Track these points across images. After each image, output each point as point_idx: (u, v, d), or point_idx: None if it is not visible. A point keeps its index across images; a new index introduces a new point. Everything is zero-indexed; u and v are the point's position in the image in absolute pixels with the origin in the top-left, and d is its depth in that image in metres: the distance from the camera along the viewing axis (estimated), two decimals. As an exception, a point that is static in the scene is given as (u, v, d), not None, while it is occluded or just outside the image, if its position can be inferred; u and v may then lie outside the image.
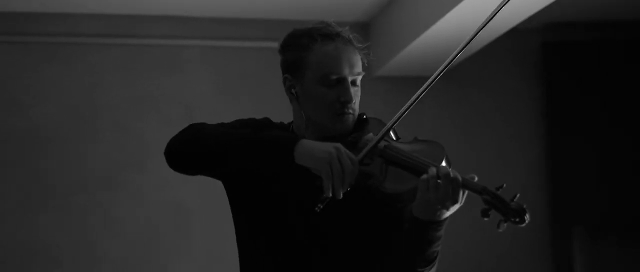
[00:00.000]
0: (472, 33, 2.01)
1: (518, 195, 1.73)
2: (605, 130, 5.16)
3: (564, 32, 5.25)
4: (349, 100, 1.96)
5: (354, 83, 1.99)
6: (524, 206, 1.72)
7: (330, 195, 1.77)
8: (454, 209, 1.80)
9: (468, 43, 2.00)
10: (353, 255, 1.96)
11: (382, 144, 1.91)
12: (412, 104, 1.96)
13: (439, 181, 1.76)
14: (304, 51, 1.98)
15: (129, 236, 4.74)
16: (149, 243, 4.75)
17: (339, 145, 1.82)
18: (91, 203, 4.71)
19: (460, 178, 1.77)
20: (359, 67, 2.00)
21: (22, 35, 4.75)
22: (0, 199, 4.65)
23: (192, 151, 1.99)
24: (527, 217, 1.71)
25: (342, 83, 1.96)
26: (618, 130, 5.17)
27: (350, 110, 1.98)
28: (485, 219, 1.74)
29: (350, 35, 2.02)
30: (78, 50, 4.82)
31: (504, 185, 1.76)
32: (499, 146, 5.25)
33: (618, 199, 5.11)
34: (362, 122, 2.03)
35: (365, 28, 5.11)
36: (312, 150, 1.82)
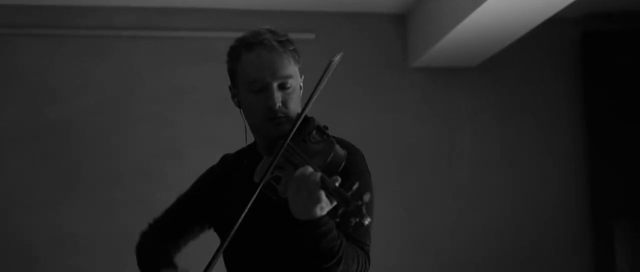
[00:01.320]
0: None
1: (366, 194, 1.70)
2: (646, 122, 5.09)
3: (604, 22, 5.18)
4: (272, 105, 2.01)
5: (282, 87, 2.04)
6: (362, 206, 1.68)
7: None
8: (319, 209, 1.79)
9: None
10: (278, 254, 2.06)
11: (290, 148, 1.93)
12: (306, 107, 1.97)
13: (296, 181, 1.80)
14: (235, 62, 2.09)
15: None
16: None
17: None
18: (128, 195, 4.74)
19: (317, 177, 1.76)
20: (284, 71, 2.03)
21: (58, 28, 4.78)
22: (37, 191, 4.69)
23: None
24: (365, 220, 1.68)
25: (267, 89, 2.02)
26: (659, 121, 5.09)
27: (281, 115, 2.02)
28: (337, 219, 1.72)
29: (276, 40, 2.04)
30: (113, 42, 4.84)
31: (357, 184, 1.73)
32: (538, 137, 5.20)
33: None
34: (305, 124, 2.03)
35: (400, 19, 5.08)
36: None
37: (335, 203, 1.76)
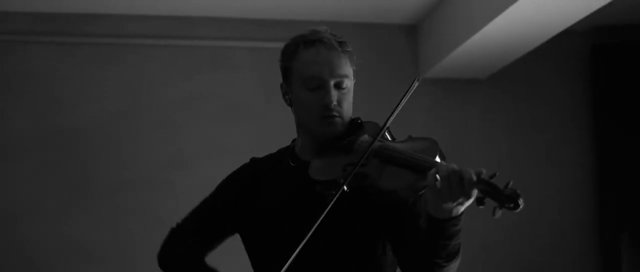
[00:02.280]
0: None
1: (511, 182, 1.70)
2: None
3: (614, 35, 5.18)
4: (329, 102, 1.99)
5: (338, 86, 2.03)
6: (518, 191, 1.68)
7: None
8: (467, 204, 1.77)
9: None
10: (342, 257, 1.99)
11: (377, 144, 1.92)
12: (397, 106, 1.94)
13: (449, 180, 1.74)
14: (291, 59, 2.06)
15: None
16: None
17: None
18: (136, 203, 4.73)
19: (473, 175, 1.73)
20: (342, 70, 2.03)
21: (69, 36, 4.78)
22: (45, 198, 4.69)
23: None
24: (520, 201, 1.67)
25: (323, 86, 2.01)
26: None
27: (335, 114, 2.01)
28: (481, 206, 1.73)
29: (335, 39, 2.05)
30: (124, 51, 4.84)
31: (497, 173, 1.74)
32: (547, 149, 5.19)
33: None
34: (356, 126, 2.05)
35: (412, 30, 5.09)
36: None
37: (469, 201, 1.75)
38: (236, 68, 4.91)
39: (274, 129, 4.64)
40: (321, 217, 1.82)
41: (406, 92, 1.94)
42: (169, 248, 2.25)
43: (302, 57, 2.03)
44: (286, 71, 2.08)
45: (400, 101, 1.93)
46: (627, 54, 5.12)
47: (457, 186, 1.72)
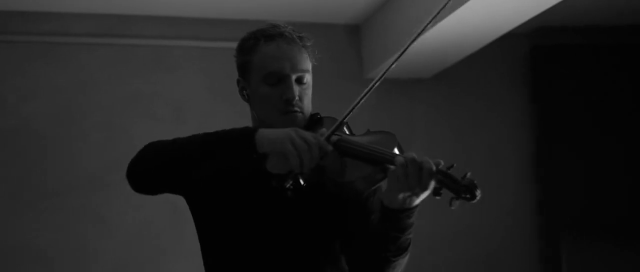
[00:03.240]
0: (411, 40, 1.97)
1: (469, 173, 1.72)
2: (593, 133, 5.19)
3: (553, 36, 5.28)
4: (291, 97, 1.97)
5: (299, 81, 2.01)
6: (475, 182, 1.70)
7: (299, 171, 1.77)
8: (424, 195, 1.78)
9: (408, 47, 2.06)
10: (310, 249, 1.98)
11: (335, 138, 1.90)
12: (361, 99, 1.95)
13: (407, 169, 1.74)
14: (249, 54, 2.02)
15: (121, 236, 4.70)
16: (142, 244, 4.71)
17: (296, 128, 1.83)
18: (82, 204, 4.66)
19: (432, 164, 1.74)
20: (303, 65, 2.01)
21: (11, 34, 4.70)
22: (-12, 200, 4.60)
23: (155, 164, 1.96)
24: (478, 193, 1.69)
25: (284, 81, 1.99)
26: (605, 133, 5.20)
27: (297, 108, 1.99)
28: (437, 197, 1.75)
29: (296, 34, 2.03)
30: (68, 49, 4.77)
31: (454, 165, 1.76)
32: (489, 148, 5.27)
33: (605, 202, 5.13)
34: (316, 122, 2.03)
35: (355, 30, 5.12)
36: (271, 133, 1.81)
37: (426, 193, 1.74)
38: (181, 67, 4.88)
39: (217, 128, 4.64)
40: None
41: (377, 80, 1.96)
42: (149, 145, 2.03)
43: (263, 51, 2.00)
44: (244, 66, 2.04)
45: (372, 86, 1.95)
46: (566, 55, 5.22)
47: (415, 175, 1.73)
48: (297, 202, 1.90)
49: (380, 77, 1.96)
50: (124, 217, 4.71)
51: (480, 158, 5.24)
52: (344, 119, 1.93)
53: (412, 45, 4.17)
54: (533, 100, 5.30)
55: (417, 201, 1.80)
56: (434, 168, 1.73)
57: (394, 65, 1.99)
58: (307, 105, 2.03)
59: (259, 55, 2.00)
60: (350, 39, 5.11)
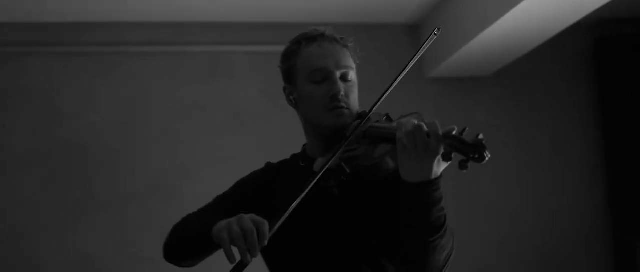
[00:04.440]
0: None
1: (480, 135, 1.67)
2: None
3: (618, 28, 5.14)
4: (337, 92, 1.99)
5: (344, 78, 2.03)
6: (483, 141, 1.65)
7: (245, 260, 1.77)
8: (437, 163, 1.74)
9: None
10: (357, 243, 1.95)
11: (366, 126, 1.93)
12: (390, 88, 1.95)
13: (415, 135, 1.73)
14: (293, 58, 2.07)
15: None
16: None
17: (242, 215, 1.83)
18: (141, 214, 4.68)
19: (438, 127, 1.72)
20: (346, 62, 2.04)
21: (66, 45, 4.73)
22: (49, 213, 4.63)
23: (166, 252, 2.19)
24: (486, 153, 1.64)
25: (329, 78, 2.01)
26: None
27: (343, 104, 2.00)
28: (448, 162, 1.71)
29: (336, 35, 2.08)
30: (123, 59, 4.80)
31: (467, 128, 1.71)
32: (554, 146, 5.15)
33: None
34: (363, 119, 2.00)
35: (414, 30, 5.06)
36: (220, 224, 1.84)
37: (438, 159, 1.71)
38: (238, 73, 4.87)
39: (278, 134, 4.60)
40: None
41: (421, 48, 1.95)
42: (173, 231, 2.18)
43: (305, 53, 2.04)
44: (289, 71, 2.09)
45: (413, 58, 1.95)
46: (631, 46, 5.08)
47: (422, 140, 1.71)
48: (346, 197, 1.93)
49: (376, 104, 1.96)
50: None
51: (546, 157, 5.13)
52: (373, 108, 1.95)
53: (470, 44, 4.07)
54: (599, 95, 5.16)
55: (436, 170, 1.75)
56: (440, 131, 1.71)
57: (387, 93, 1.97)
58: (354, 102, 2.04)
59: (302, 56, 2.05)
60: (410, 39, 5.04)
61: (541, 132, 5.15)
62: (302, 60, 2.04)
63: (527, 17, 3.99)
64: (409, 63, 1.96)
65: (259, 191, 2.12)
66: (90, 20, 4.74)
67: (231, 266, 1.78)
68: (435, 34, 1.95)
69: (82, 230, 4.64)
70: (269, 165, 2.21)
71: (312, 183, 1.82)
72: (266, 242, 1.77)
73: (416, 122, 1.74)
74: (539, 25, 4.17)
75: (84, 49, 4.75)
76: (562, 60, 5.21)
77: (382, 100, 1.94)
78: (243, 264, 1.76)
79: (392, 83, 1.95)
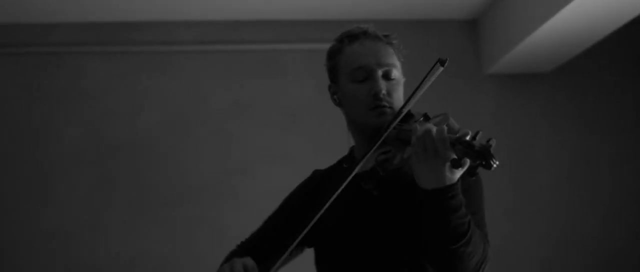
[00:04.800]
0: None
1: (491, 140, 1.62)
2: None
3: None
4: (378, 91, 1.96)
5: (386, 76, 2.00)
6: (491, 148, 1.60)
7: None
8: (449, 169, 1.70)
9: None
10: (398, 245, 1.92)
11: (401, 128, 1.89)
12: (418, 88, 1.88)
13: (424, 139, 1.72)
14: (336, 56, 2.06)
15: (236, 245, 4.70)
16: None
17: (234, 259, 1.97)
18: (198, 214, 4.69)
19: (445, 132, 1.69)
20: (389, 60, 2.01)
21: (120, 45, 4.77)
22: (105, 212, 4.67)
23: None
24: (494, 161, 1.59)
25: (371, 76, 1.99)
26: None
27: (386, 104, 1.97)
28: (461, 168, 1.68)
29: (379, 32, 2.05)
30: (177, 58, 4.82)
31: (480, 132, 1.66)
32: (616, 145, 5.04)
33: None
34: (407, 117, 1.97)
35: (472, 25, 5.00)
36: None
37: (464, 166, 1.67)
38: (292, 71, 4.86)
39: (333, 133, 4.55)
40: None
41: (427, 74, 1.87)
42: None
43: (347, 51, 2.03)
44: (333, 70, 2.07)
45: (422, 83, 1.87)
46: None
47: (431, 145, 1.70)
48: (385, 199, 1.91)
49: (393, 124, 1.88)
50: (240, 225, 4.66)
51: (607, 156, 5.02)
52: (402, 108, 1.90)
53: (529, 39, 3.99)
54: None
55: (450, 176, 1.71)
56: (447, 135, 1.68)
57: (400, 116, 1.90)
58: (397, 100, 2.00)
59: (345, 55, 2.03)
60: (468, 35, 4.98)
61: (602, 130, 5.04)
62: (345, 58, 2.03)
63: (586, 12, 3.92)
64: (414, 94, 1.87)
65: (306, 200, 2.13)
66: (144, 20, 4.76)
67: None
68: (439, 66, 1.86)
69: (137, 230, 4.66)
70: (315, 172, 2.23)
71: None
72: None
73: (428, 126, 1.72)
74: (597, 20, 4.09)
75: (138, 49, 4.79)
76: (623, 57, 5.09)
77: (412, 102, 1.88)
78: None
79: (400, 110, 1.89)
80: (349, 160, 2.12)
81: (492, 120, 4.91)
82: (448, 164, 1.69)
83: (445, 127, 1.70)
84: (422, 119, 1.94)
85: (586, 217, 4.94)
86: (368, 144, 1.95)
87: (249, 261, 1.88)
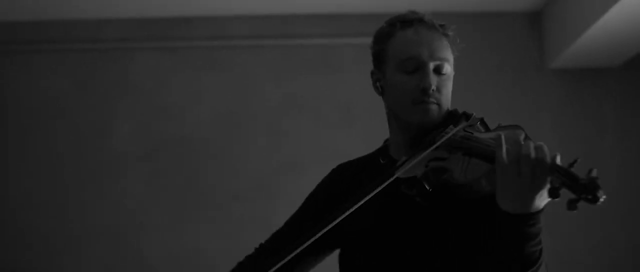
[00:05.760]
0: None
1: (594, 171, 1.45)
2: None
3: None
4: (427, 86, 1.82)
5: (438, 70, 1.86)
6: (597, 181, 1.43)
7: None
8: (539, 196, 1.53)
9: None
10: (439, 259, 1.79)
11: (460, 135, 1.75)
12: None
13: (519, 165, 1.53)
14: (385, 41, 1.91)
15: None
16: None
17: None
18: (248, 211, 4.67)
19: (548, 159, 1.51)
20: (442, 53, 1.86)
21: (171, 40, 4.78)
22: (156, 210, 4.67)
23: None
24: (600, 194, 1.42)
25: (422, 68, 1.85)
26: None
27: (433, 99, 1.84)
28: (556, 199, 1.50)
29: (435, 21, 1.90)
30: (229, 53, 4.81)
31: (578, 159, 1.51)
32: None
33: None
34: (454, 118, 1.86)
35: (536, 17, 4.86)
36: None
37: (555, 198, 1.51)
38: (346, 66, 4.82)
39: (387, 130, 4.45)
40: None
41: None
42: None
43: (399, 37, 1.87)
44: (379, 55, 1.92)
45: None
46: None
47: (529, 172, 1.52)
48: (428, 207, 1.75)
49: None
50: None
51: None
52: (468, 118, 1.81)
53: (594, 27, 3.81)
54: None
55: (537, 203, 1.55)
56: (549, 162, 1.51)
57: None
58: (446, 98, 1.86)
59: (395, 41, 1.87)
60: (531, 27, 4.84)
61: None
62: (395, 45, 1.87)
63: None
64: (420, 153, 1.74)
65: (331, 195, 2.01)
66: (196, 15, 4.76)
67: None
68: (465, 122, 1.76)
69: (188, 226, 4.67)
70: (340, 166, 2.11)
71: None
72: None
73: (523, 145, 1.54)
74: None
75: (190, 44, 4.79)
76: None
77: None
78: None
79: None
80: (385, 155, 1.97)
81: (554, 119, 4.77)
82: (541, 193, 1.53)
83: (545, 147, 1.53)
84: (478, 123, 1.83)
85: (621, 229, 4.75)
86: (411, 143, 1.82)
87: None
